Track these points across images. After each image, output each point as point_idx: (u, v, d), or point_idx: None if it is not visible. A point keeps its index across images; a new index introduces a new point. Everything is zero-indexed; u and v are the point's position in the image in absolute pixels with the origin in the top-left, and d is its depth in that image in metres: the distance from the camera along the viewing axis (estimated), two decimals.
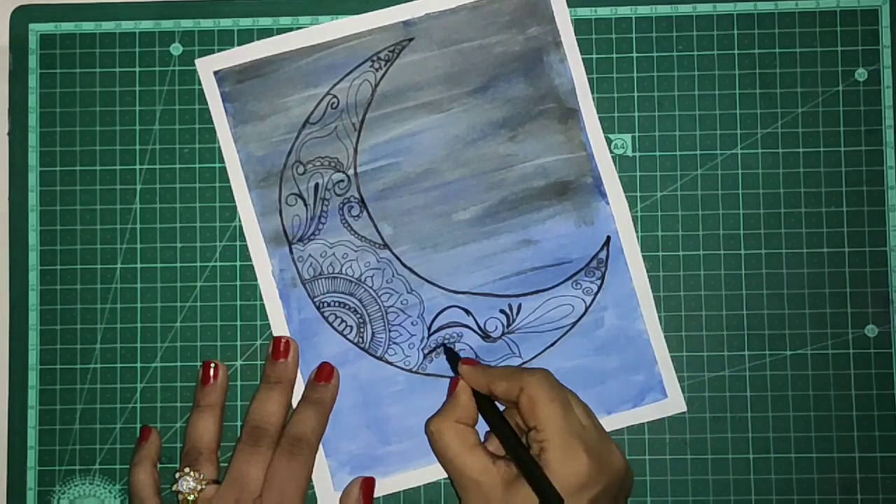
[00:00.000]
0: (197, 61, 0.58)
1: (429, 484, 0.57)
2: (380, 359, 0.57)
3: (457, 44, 0.58)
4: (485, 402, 0.53)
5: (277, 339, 0.56)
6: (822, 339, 0.57)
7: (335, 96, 0.58)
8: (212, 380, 0.56)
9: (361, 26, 0.58)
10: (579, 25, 0.58)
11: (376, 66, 0.58)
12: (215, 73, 0.58)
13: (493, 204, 0.58)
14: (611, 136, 0.58)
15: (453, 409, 0.53)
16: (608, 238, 0.57)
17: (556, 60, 0.58)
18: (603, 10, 0.58)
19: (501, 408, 0.53)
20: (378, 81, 0.58)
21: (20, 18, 0.59)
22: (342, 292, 0.58)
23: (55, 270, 0.58)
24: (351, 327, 0.57)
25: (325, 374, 0.56)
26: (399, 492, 0.57)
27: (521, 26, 0.58)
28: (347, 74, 0.58)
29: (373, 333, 0.57)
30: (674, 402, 0.57)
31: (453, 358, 0.56)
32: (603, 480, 0.49)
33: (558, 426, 0.50)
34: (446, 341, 0.57)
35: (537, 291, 0.57)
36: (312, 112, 0.58)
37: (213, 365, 0.56)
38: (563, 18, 0.58)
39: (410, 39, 0.58)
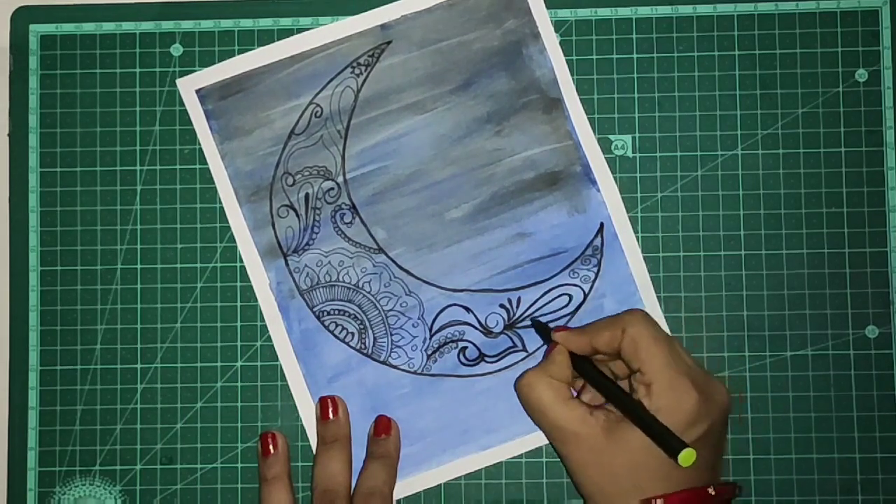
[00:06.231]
0: (178, 81, 0.58)
1: (449, 482, 0.57)
2: (384, 363, 0.57)
3: (435, 43, 0.58)
4: (584, 364, 0.52)
5: (324, 399, 0.56)
6: (823, 340, 0.57)
7: (318, 105, 0.58)
8: (272, 450, 0.56)
9: (339, 33, 0.58)
10: (580, 26, 0.58)
11: (357, 71, 0.58)
12: (197, 91, 0.58)
13: (485, 200, 0.58)
14: (611, 136, 0.58)
15: (548, 366, 0.52)
16: (601, 225, 0.58)
17: (535, 52, 0.58)
18: (603, 11, 0.58)
19: None
20: (360, 87, 0.58)
21: (21, 19, 0.59)
22: (341, 300, 0.58)
23: (55, 271, 0.58)
24: (352, 334, 0.57)
25: (383, 427, 0.56)
26: (414, 493, 0.57)
27: (498, 20, 0.58)
28: (329, 82, 0.58)
29: (374, 338, 0.57)
30: None
31: (543, 329, 0.56)
32: (710, 417, 0.49)
33: (665, 364, 0.49)
34: (446, 352, 0.57)
35: (535, 283, 0.57)
36: (297, 122, 0.58)
37: (271, 436, 0.56)
38: (539, 9, 0.58)
39: (389, 42, 0.58)
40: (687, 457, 0.46)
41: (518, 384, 0.53)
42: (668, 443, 0.47)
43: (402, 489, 0.56)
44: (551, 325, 0.57)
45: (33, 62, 0.59)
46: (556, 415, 0.51)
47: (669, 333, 0.53)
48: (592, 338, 0.52)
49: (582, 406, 0.51)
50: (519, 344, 0.57)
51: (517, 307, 0.57)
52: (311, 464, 0.57)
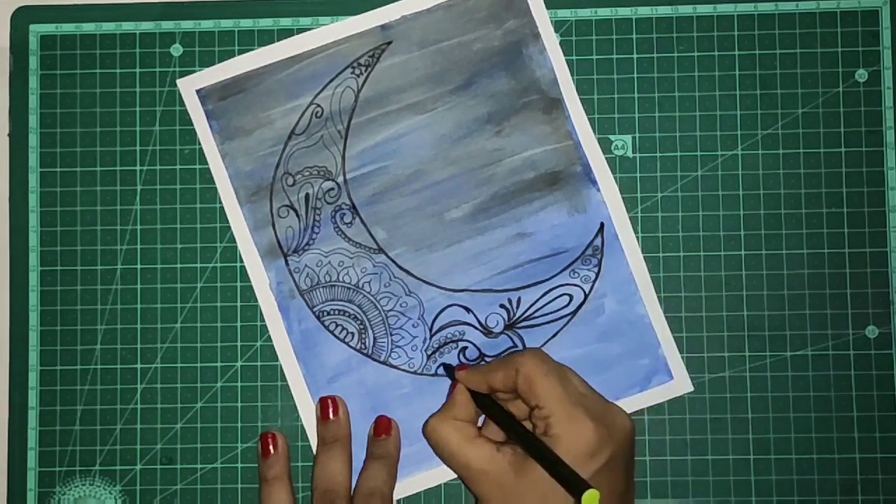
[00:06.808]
0: (179, 81, 0.58)
1: (449, 482, 0.57)
2: (384, 363, 0.57)
3: (435, 43, 0.58)
4: (487, 403, 0.53)
5: (324, 399, 0.56)
6: (823, 340, 0.57)
7: (319, 105, 0.58)
8: (272, 450, 0.56)
9: (339, 34, 0.58)
10: (580, 27, 0.58)
11: (357, 71, 0.58)
12: (198, 91, 0.58)
13: (485, 200, 0.58)
14: (611, 136, 0.58)
15: (450, 408, 0.53)
16: (602, 224, 0.58)
17: (535, 52, 0.58)
18: (603, 11, 0.58)
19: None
20: (360, 87, 0.58)
21: (21, 19, 0.59)
22: (341, 300, 0.58)
23: (55, 271, 0.58)
24: (352, 334, 0.57)
25: (383, 427, 0.56)
26: (414, 493, 0.57)
27: (498, 21, 0.58)
28: (329, 83, 0.58)
29: (374, 338, 0.57)
30: (680, 383, 0.57)
31: (451, 370, 0.56)
32: (612, 444, 0.49)
33: (558, 397, 0.50)
34: (446, 352, 0.57)
35: (535, 283, 0.57)
36: (297, 123, 0.58)
37: (271, 436, 0.56)
38: (539, 9, 0.58)
39: (389, 43, 0.58)
40: (590, 499, 0.45)
41: (424, 430, 0.53)
42: (571, 483, 0.47)
43: (402, 489, 0.56)
44: (543, 327, 0.57)
45: (33, 62, 0.59)
46: (463, 455, 0.51)
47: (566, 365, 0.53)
48: (487, 377, 0.52)
49: (488, 444, 0.51)
50: (519, 344, 0.57)
51: (517, 307, 0.57)
52: (311, 464, 0.57)
